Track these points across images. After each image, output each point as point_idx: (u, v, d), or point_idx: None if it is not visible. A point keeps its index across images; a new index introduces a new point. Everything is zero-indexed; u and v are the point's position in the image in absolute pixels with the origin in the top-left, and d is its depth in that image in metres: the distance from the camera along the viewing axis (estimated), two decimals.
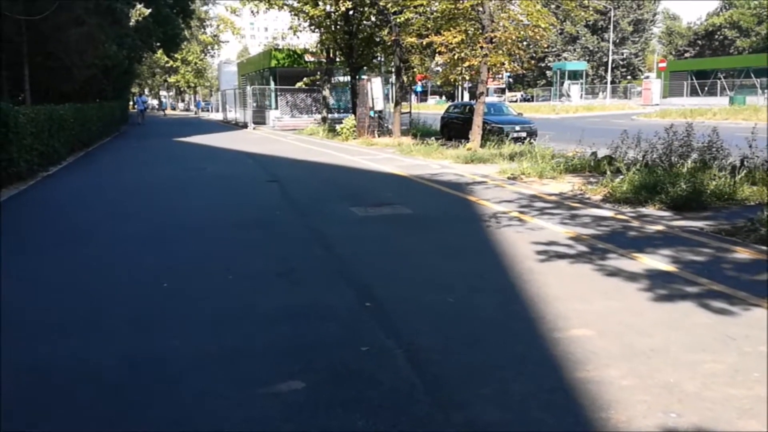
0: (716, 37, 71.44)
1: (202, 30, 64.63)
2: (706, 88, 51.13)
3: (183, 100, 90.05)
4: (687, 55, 72.99)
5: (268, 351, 3.93)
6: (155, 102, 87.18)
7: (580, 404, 3.14)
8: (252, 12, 28.66)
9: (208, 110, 67.23)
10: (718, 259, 5.86)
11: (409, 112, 26.50)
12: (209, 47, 69.39)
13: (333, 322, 4.43)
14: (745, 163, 9.89)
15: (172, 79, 73.04)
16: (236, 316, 4.60)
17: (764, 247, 6.20)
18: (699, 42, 74.28)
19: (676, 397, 3.17)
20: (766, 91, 44.56)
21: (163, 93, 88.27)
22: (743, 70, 49.83)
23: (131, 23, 26.25)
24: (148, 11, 26.80)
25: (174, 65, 64.52)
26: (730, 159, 10.14)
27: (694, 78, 53.06)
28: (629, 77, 73.65)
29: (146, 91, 78.64)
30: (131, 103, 52.79)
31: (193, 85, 74.62)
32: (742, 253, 6.02)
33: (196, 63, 69.33)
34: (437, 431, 2.95)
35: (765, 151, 9.82)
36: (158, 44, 35.36)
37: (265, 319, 4.52)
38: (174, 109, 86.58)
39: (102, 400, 3.33)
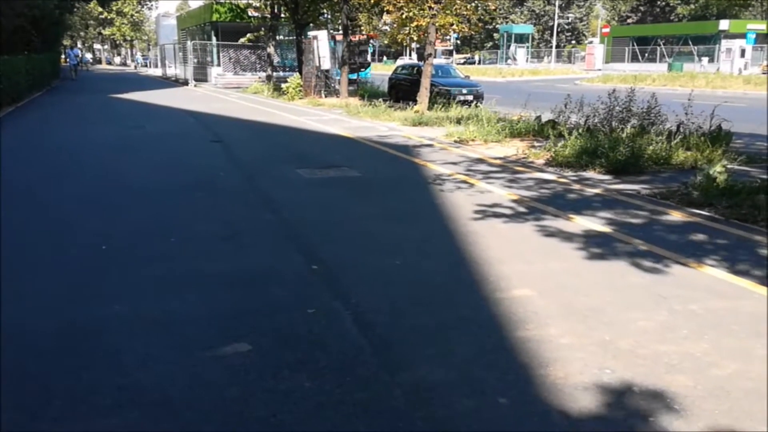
0: (658, 3, 72.87)
1: None
2: (647, 54, 52.34)
3: (119, 54, 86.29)
4: (629, 21, 74.31)
5: (213, 315, 3.90)
6: (89, 56, 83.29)
7: (520, 362, 3.25)
8: None
9: (146, 65, 64.68)
10: (653, 221, 6.10)
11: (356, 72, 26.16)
12: None
13: (279, 286, 4.41)
14: (681, 128, 10.24)
15: (106, 32, 69.79)
16: (180, 281, 4.53)
17: (696, 210, 6.48)
18: (641, 8, 75.60)
19: (611, 354, 3.32)
20: (702, 58, 45.95)
21: (97, 46, 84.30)
22: (682, 38, 51.18)
23: None
24: None
25: (108, 17, 61.53)
26: (668, 124, 10.48)
27: (635, 44, 54.20)
28: (574, 42, 74.60)
29: (79, 44, 74.92)
30: (62, 56, 50.18)
31: (129, 38, 71.51)
32: (676, 216, 6.28)
33: (132, 15, 66.35)
34: (383, 391, 3.01)
35: (700, 117, 10.17)
36: None
37: (210, 283, 4.47)
38: (110, 63, 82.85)
39: (40, 367, 3.24)
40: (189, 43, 33.58)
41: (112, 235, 5.70)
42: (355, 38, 29.03)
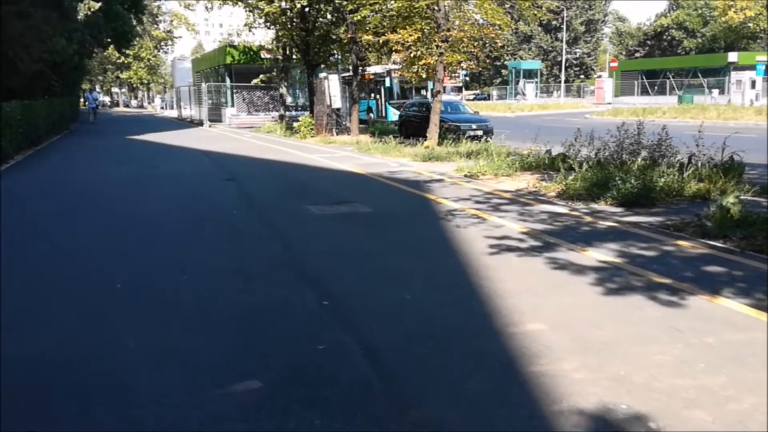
0: (664, 37, 73.51)
1: (155, 25, 63.30)
2: (656, 87, 52.54)
3: (136, 97, 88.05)
4: (637, 55, 74.92)
5: (224, 350, 3.89)
6: (107, 99, 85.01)
7: (533, 398, 3.20)
8: (206, 8, 28.32)
9: (163, 108, 65.89)
10: (667, 253, 6.04)
11: (367, 110, 26.53)
12: (162, 43, 68.01)
13: (290, 321, 4.41)
14: (693, 160, 10.21)
15: (124, 76, 71.35)
16: (192, 315, 4.54)
17: (710, 242, 6.42)
18: (648, 42, 76.31)
19: (626, 389, 3.26)
20: (713, 90, 46.03)
21: (115, 90, 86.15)
22: (691, 70, 51.41)
23: (80, 17, 25.51)
24: (98, 5, 26.11)
25: (126, 61, 63.01)
26: (679, 156, 10.45)
27: (644, 77, 54.50)
28: (582, 76, 75.21)
29: (98, 87, 76.62)
30: (82, 100, 51.29)
31: (146, 81, 73.04)
32: (690, 248, 6.22)
33: (149, 59, 67.90)
34: (394, 429, 2.97)
35: (711, 149, 10.13)
36: (109, 40, 34.45)
37: (221, 318, 4.48)
38: (127, 106, 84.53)
39: (53, 400, 3.24)
40: (204, 85, 34.30)
41: (125, 269, 5.74)
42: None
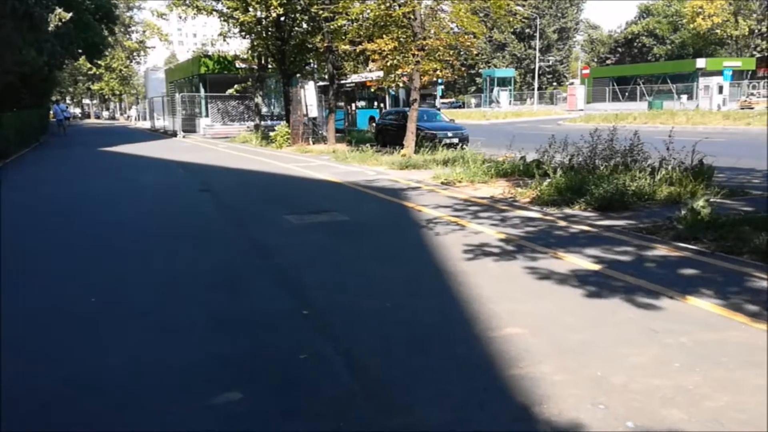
0: (635, 44, 74.86)
1: (127, 36, 62.70)
2: (627, 94, 53.46)
3: (108, 108, 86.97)
4: (608, 62, 76.16)
5: (205, 363, 3.87)
6: (77, 111, 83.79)
7: (514, 401, 3.24)
8: (180, 17, 28.05)
9: (136, 119, 65.23)
10: (640, 256, 6.15)
11: (344, 119, 26.56)
12: (135, 53, 67.36)
13: (270, 332, 4.40)
14: (663, 164, 10.40)
15: (95, 87, 70.45)
16: (171, 329, 4.50)
17: (682, 244, 6.55)
18: (619, 49, 77.65)
19: (604, 390, 3.32)
20: (681, 96, 46.96)
21: (86, 101, 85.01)
22: (660, 76, 52.41)
23: (50, 28, 25.16)
24: (68, 15, 25.76)
25: (97, 72, 62.26)
26: (650, 161, 10.64)
27: (615, 84, 55.43)
28: (555, 84, 76.18)
29: (68, 99, 75.53)
30: (51, 112, 50.55)
31: (118, 92, 72.21)
32: (663, 250, 6.34)
33: (121, 70, 67.14)
34: None
35: (681, 153, 10.34)
36: (80, 51, 34.02)
37: (201, 330, 4.45)
38: (98, 117, 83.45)
39: (37, 419, 3.19)
40: (177, 96, 34.03)
41: (101, 283, 5.68)
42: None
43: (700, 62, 48.63)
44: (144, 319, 4.73)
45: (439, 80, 24.19)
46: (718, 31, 56.68)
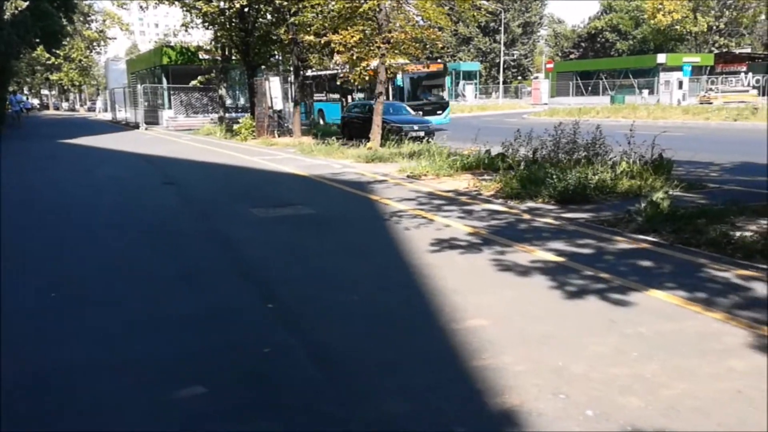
0: (598, 39, 75.98)
1: (87, 25, 61.08)
2: (590, 88, 54.22)
3: (67, 100, 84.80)
4: (572, 56, 77.18)
5: (168, 357, 3.83)
6: (36, 102, 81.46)
7: (477, 391, 3.28)
8: (141, 7, 27.51)
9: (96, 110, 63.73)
10: (601, 248, 6.26)
11: (309, 111, 26.37)
12: (95, 43, 65.68)
13: (234, 326, 4.37)
14: (624, 158, 10.60)
15: (54, 77, 68.55)
16: (135, 323, 4.44)
17: (641, 236, 6.70)
18: (582, 44, 78.74)
19: (565, 379, 3.38)
20: (643, 90, 47.85)
21: (45, 92, 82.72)
22: (622, 71, 53.28)
23: (6, 17, 24.39)
24: (25, 3, 25.04)
25: (56, 62, 60.58)
26: (612, 154, 10.84)
27: (578, 78, 56.18)
28: (520, 78, 76.91)
29: (26, 90, 73.38)
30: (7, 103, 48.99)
31: (77, 83, 70.39)
32: (622, 243, 6.47)
33: (80, 60, 65.42)
34: (344, 427, 3.00)
35: (642, 147, 10.54)
36: (37, 40, 33.03)
37: (165, 325, 4.40)
38: (57, 108, 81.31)
39: None
40: (139, 87, 33.36)
41: (64, 279, 5.55)
42: (425, 67, 24.15)
43: (661, 58, 49.57)
44: (105, 314, 4.64)
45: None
46: (677, 27, 57.83)
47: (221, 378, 3.53)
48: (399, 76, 24.01)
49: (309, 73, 26.65)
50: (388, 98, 24.86)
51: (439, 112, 25.07)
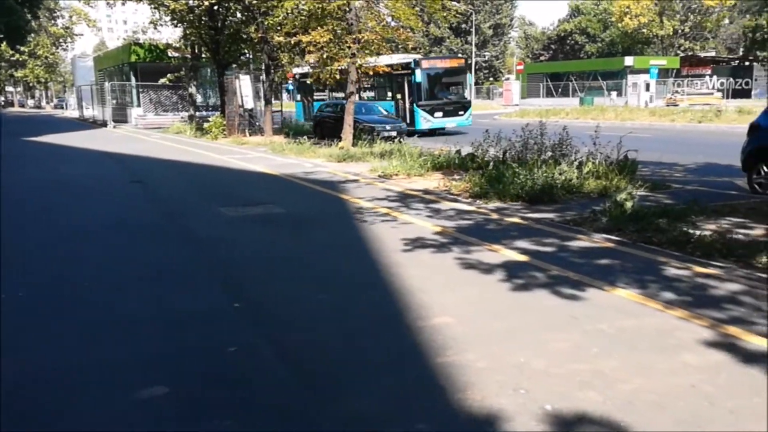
0: (567, 41, 77.00)
1: (53, 21, 59.88)
2: (560, 90, 54.99)
3: (33, 97, 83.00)
4: (542, 58, 78.08)
5: (132, 358, 3.81)
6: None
7: (440, 387, 3.32)
8: (108, 4, 27.01)
9: (63, 107, 62.46)
10: (566, 247, 6.37)
11: (280, 111, 26.22)
12: (61, 40, 64.42)
13: (200, 325, 4.35)
14: (590, 158, 10.78)
15: (19, 74, 67.04)
16: (100, 324, 4.41)
17: (605, 235, 6.83)
18: (552, 46, 79.70)
19: (526, 375, 3.45)
20: (611, 92, 48.61)
21: (9, 89, 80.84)
22: (591, 73, 54.08)
23: None
24: None
25: (21, 59, 59.27)
26: (579, 155, 11.01)
27: (549, 80, 56.89)
28: (491, 79, 77.55)
29: None
30: None
31: (43, 80, 68.96)
32: (587, 241, 6.59)
33: (46, 57, 64.10)
34: (311, 425, 3.01)
35: (608, 147, 10.71)
36: (1, 36, 32.31)
37: (131, 326, 4.36)
38: (23, 106, 79.53)
39: None
40: (107, 84, 32.81)
41: (29, 280, 5.45)
42: (444, 63, 23.40)
43: (629, 60, 50.44)
44: (69, 316, 4.59)
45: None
46: (644, 30, 58.89)
47: (184, 378, 3.51)
48: (417, 72, 22.25)
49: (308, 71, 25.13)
50: (403, 96, 23.34)
51: (460, 112, 23.22)
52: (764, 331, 4.00)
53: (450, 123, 22.32)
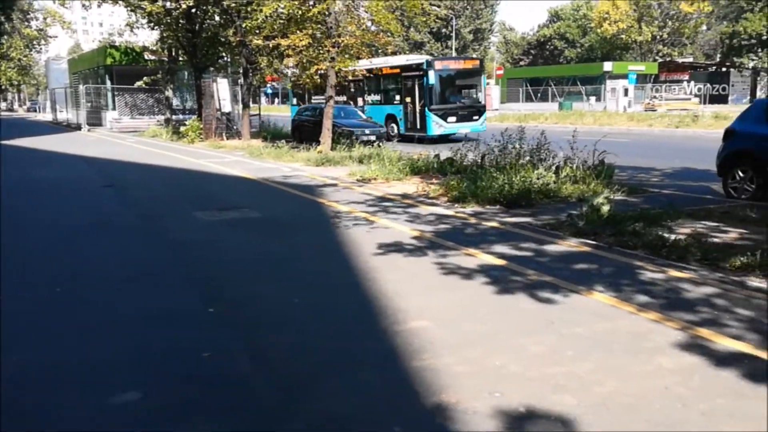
0: (547, 47, 77.73)
1: (26, 23, 58.87)
2: (539, 95, 55.39)
3: (5, 99, 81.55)
4: (522, 63, 78.72)
5: (105, 362, 3.75)
6: None
7: (416, 391, 3.31)
8: (84, 6, 26.63)
9: (35, 110, 61.41)
10: (543, 251, 6.39)
11: (258, 114, 26.06)
12: (35, 42, 63.34)
13: (174, 330, 4.30)
14: (568, 163, 10.85)
15: None
16: (73, 327, 4.34)
17: (582, 239, 6.86)
18: (532, 51, 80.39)
19: (502, 379, 3.44)
20: (590, 97, 49.09)
21: None
22: (570, 78, 54.52)
23: None
24: None
25: None
26: (557, 159, 11.07)
27: (528, 85, 57.31)
28: None
29: None
30: None
31: (16, 83, 67.72)
32: (564, 245, 6.62)
33: (19, 59, 62.97)
34: (285, 427, 2.99)
35: (584, 152, 10.79)
36: None
37: (104, 330, 4.30)
38: None
39: None
40: (81, 87, 32.35)
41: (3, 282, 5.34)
42: (458, 64, 22.17)
43: (607, 66, 50.91)
44: (42, 318, 4.49)
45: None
46: (623, 36, 59.57)
47: (158, 383, 3.46)
48: (430, 74, 20.78)
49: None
50: (413, 100, 21.93)
51: (474, 117, 21.82)
52: (736, 333, 4.04)
53: (464, 128, 21.01)
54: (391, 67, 23.06)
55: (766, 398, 3.18)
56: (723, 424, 2.97)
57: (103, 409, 3.18)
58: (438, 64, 21.44)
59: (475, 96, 22.81)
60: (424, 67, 21.15)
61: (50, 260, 6.31)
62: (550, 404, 3.14)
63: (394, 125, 22.82)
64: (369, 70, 23.61)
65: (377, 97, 24.28)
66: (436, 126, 20.96)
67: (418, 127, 21.53)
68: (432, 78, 20.69)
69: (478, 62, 23.85)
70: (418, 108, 21.58)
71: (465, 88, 22.76)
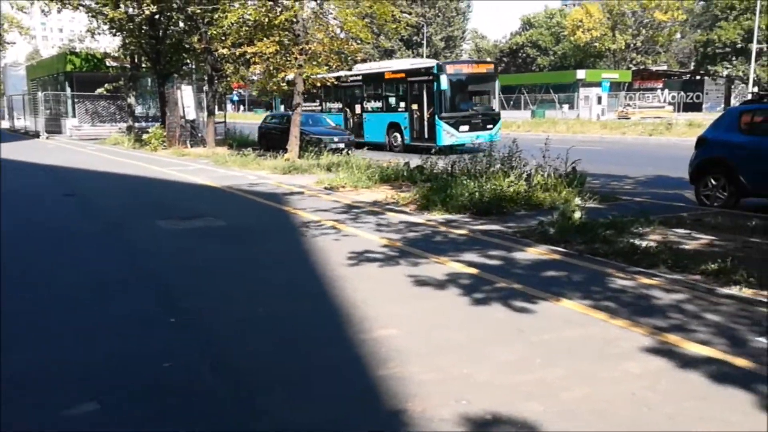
0: (519, 55, 78.47)
1: None
2: (512, 102, 55.54)
3: None
4: None
5: (63, 373, 3.62)
6: None
7: (381, 399, 3.24)
8: (43, 11, 25.95)
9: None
10: (514, 259, 6.35)
11: (224, 122, 25.74)
12: None
13: (135, 340, 4.16)
14: (539, 171, 10.83)
15: None
16: (28, 338, 4.19)
17: (553, 247, 6.85)
18: (504, 59, 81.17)
19: (469, 387, 3.39)
20: (563, 105, 49.45)
21: None
22: (543, 86, 54.81)
23: None
24: None
25: None
26: (528, 167, 11.05)
27: (500, 93, 57.56)
28: None
29: None
30: None
31: None
32: (534, 253, 6.59)
33: None
34: None
35: (557, 160, 10.78)
36: None
37: (61, 340, 4.16)
38: None
39: None
40: (40, 94, 31.56)
41: None
42: (472, 68, 20.78)
43: (581, 73, 51.11)
44: None
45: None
46: (596, 44, 60.14)
47: (116, 394, 3.33)
48: (441, 79, 19.07)
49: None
50: (420, 106, 20.21)
51: (489, 126, 20.13)
52: (704, 339, 4.06)
53: (477, 138, 19.16)
54: (395, 72, 21.64)
55: (735, 400, 3.18)
56: (689, 426, 2.96)
57: (56, 421, 3.05)
58: (450, 68, 19.91)
59: (488, 103, 21.44)
60: (435, 71, 19.44)
61: (5, 272, 6.05)
62: (517, 411, 3.09)
63: (397, 134, 21.24)
64: (367, 75, 22.69)
65: (377, 104, 22.50)
66: (447, 135, 19.24)
67: (426, 136, 19.88)
68: (444, 83, 19.00)
69: (492, 66, 22.47)
70: (426, 116, 19.87)
71: (478, 94, 21.29)
